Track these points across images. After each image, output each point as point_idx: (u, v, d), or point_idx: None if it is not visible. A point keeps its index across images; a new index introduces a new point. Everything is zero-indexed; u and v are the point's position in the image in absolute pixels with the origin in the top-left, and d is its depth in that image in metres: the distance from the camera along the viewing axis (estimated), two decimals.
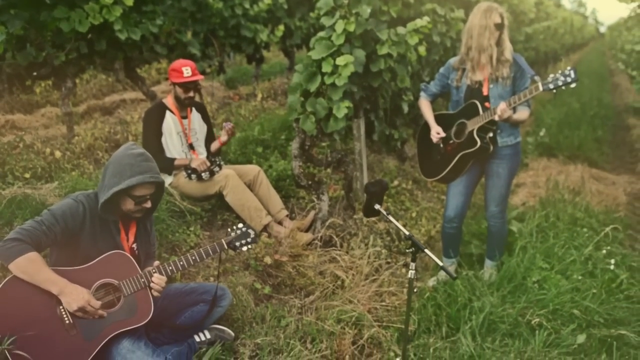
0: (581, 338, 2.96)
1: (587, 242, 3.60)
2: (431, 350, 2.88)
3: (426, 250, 2.48)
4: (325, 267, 3.42)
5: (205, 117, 4.10)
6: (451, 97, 3.59)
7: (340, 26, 3.41)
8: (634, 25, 13.02)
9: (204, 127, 4.07)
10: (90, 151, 4.66)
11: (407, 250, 2.52)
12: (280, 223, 3.83)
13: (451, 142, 3.49)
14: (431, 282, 3.73)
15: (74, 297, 2.14)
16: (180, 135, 3.87)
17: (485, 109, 3.30)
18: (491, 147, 3.36)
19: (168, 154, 3.81)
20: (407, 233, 2.57)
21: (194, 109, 3.98)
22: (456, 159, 3.44)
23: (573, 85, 2.95)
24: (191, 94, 3.78)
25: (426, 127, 3.70)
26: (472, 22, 3.38)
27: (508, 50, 3.32)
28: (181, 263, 2.45)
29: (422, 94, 3.72)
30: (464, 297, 3.28)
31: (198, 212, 3.81)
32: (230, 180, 3.70)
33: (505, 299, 3.30)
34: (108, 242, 2.38)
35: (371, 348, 2.94)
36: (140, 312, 2.30)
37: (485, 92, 3.38)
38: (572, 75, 2.93)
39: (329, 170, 4.07)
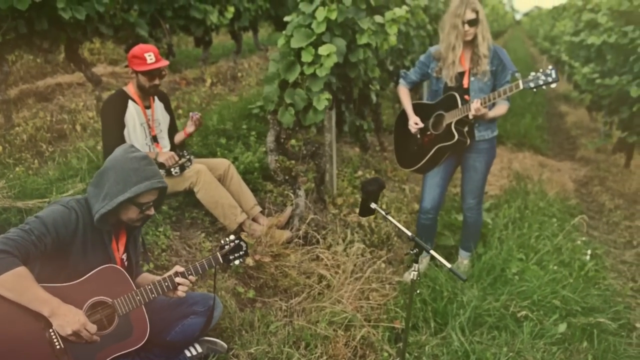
0: (562, 327, 3.06)
1: (557, 232, 3.72)
2: (427, 349, 2.86)
3: (432, 252, 2.43)
4: (308, 267, 3.29)
5: (168, 107, 3.79)
6: (430, 86, 3.55)
7: (321, 14, 3.24)
8: (558, 15, 13.76)
9: (167, 118, 3.77)
10: (32, 143, 4.20)
11: (411, 252, 2.43)
12: (254, 220, 3.64)
13: (428, 133, 3.46)
14: (409, 276, 3.72)
15: (69, 319, 1.88)
16: (143, 127, 3.55)
17: (464, 101, 3.28)
18: (468, 141, 3.36)
19: None
20: (410, 234, 2.50)
21: (156, 98, 3.67)
22: (433, 151, 3.42)
23: (554, 85, 2.98)
24: (156, 81, 3.47)
25: (404, 116, 3.64)
26: (445, 18, 3.35)
27: (485, 46, 3.29)
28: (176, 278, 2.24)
29: (401, 81, 3.65)
30: (448, 291, 3.29)
31: (165, 211, 3.54)
32: (202, 176, 3.45)
33: (486, 291, 3.35)
34: (98, 254, 2.12)
35: (364, 349, 2.87)
36: (136, 334, 2.08)
37: (465, 85, 3.36)
38: (553, 75, 2.95)
39: (293, 162, 3.91)
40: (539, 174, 5.39)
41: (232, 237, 2.46)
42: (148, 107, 3.59)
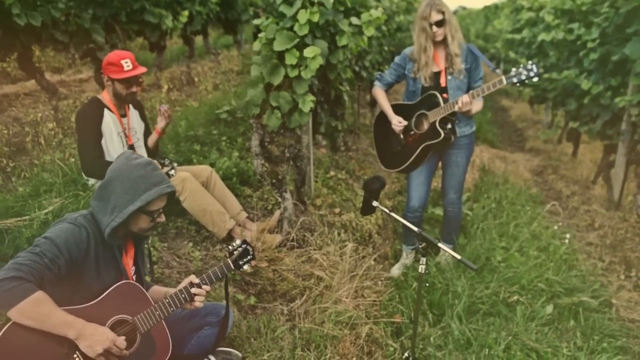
0: (549, 309, 3.24)
1: (531, 220, 3.93)
2: (431, 339, 2.93)
3: (440, 244, 2.50)
4: (304, 269, 3.28)
5: (143, 115, 3.66)
6: (407, 87, 3.64)
7: (303, 16, 3.24)
8: (492, 14, 14.44)
9: (142, 126, 3.64)
10: None
11: (419, 247, 2.50)
12: (241, 226, 3.58)
13: (412, 133, 3.53)
14: (396, 270, 3.80)
15: (97, 338, 1.78)
16: (120, 136, 3.41)
17: (445, 100, 3.39)
18: (453, 137, 3.47)
19: (108, 158, 3.34)
20: (416, 230, 2.56)
21: (131, 106, 3.54)
22: (419, 150, 3.50)
23: (535, 80, 3.12)
24: (134, 89, 3.35)
25: (382, 117, 3.71)
26: (414, 22, 3.44)
27: (455, 44, 3.39)
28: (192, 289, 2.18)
29: (376, 83, 3.72)
30: (440, 282, 3.39)
31: None
32: (188, 184, 3.36)
33: (474, 279, 3.48)
34: (111, 270, 2.03)
35: (369, 346, 2.91)
36: (159, 350, 2.00)
37: (443, 84, 3.46)
38: (535, 69, 3.09)
39: (281, 165, 3.89)
40: (500, 166, 5.64)
41: (237, 241, 2.42)
42: (124, 115, 3.46)
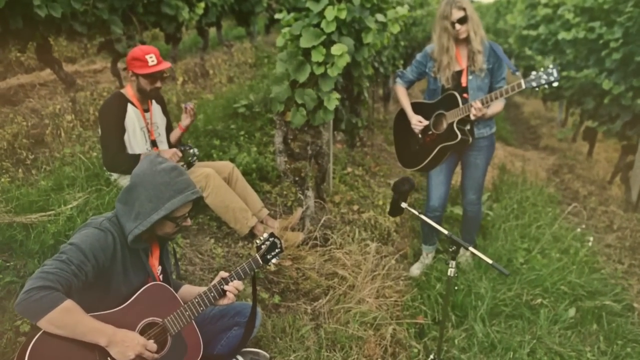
0: (572, 312, 3.23)
1: (552, 221, 3.90)
2: (456, 342, 2.93)
3: (470, 248, 2.49)
4: (327, 267, 3.28)
5: (165, 110, 3.65)
6: (428, 85, 3.59)
7: (331, 13, 3.20)
8: (504, 8, 14.32)
9: (164, 121, 3.63)
10: (11, 151, 3.91)
11: (450, 250, 2.48)
12: (262, 222, 3.57)
13: (430, 132, 3.50)
14: (416, 270, 3.79)
15: (128, 344, 1.77)
16: (143, 132, 3.39)
17: (464, 100, 3.35)
18: (470, 140, 3.43)
19: (131, 153, 3.33)
20: (446, 232, 2.55)
21: (153, 100, 3.52)
22: (436, 150, 3.46)
23: (555, 84, 3.06)
24: (158, 84, 3.32)
25: (403, 115, 3.67)
26: (434, 22, 3.39)
27: (478, 41, 3.33)
28: (221, 287, 2.17)
29: (398, 80, 3.68)
30: (462, 284, 3.38)
31: None
32: (212, 180, 3.35)
33: (496, 281, 3.46)
34: (138, 273, 2.02)
35: (393, 347, 2.91)
36: (190, 352, 2.00)
37: (464, 83, 3.41)
38: (555, 74, 3.04)
39: (304, 163, 3.87)
40: (515, 165, 5.61)
41: (265, 235, 2.39)
42: (147, 110, 3.45)
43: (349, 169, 5.05)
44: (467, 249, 2.47)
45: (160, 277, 2.18)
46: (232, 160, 4.14)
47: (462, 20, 3.22)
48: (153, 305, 1.96)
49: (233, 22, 9.58)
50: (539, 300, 3.18)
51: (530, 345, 2.90)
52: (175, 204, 1.92)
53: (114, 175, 3.36)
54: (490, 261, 2.38)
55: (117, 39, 5.10)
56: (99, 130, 3.32)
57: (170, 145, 3.64)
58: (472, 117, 3.21)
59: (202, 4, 6.30)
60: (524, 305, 3.23)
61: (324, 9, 3.23)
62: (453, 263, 2.53)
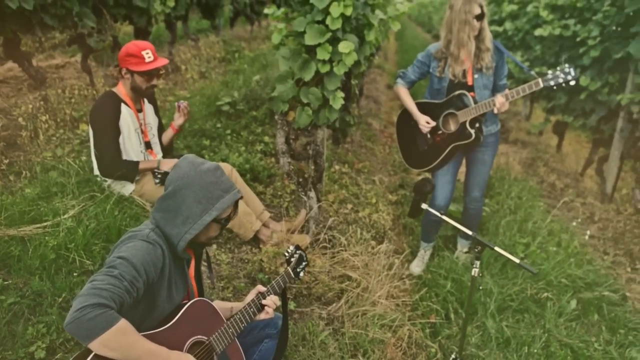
0: (573, 304, 3.32)
1: (545, 216, 4.00)
2: (473, 339, 2.94)
3: (496, 248, 2.49)
4: (336, 270, 3.21)
5: (157, 110, 3.47)
6: (431, 85, 3.57)
7: (336, 10, 3.12)
8: None
9: (157, 121, 3.45)
10: None
11: (475, 250, 2.48)
12: (264, 226, 3.46)
13: (440, 132, 3.49)
14: (416, 268, 3.79)
15: None
16: (137, 133, 3.21)
17: (473, 99, 3.36)
18: (482, 137, 3.46)
19: (125, 157, 3.14)
20: (470, 233, 2.55)
21: (145, 100, 3.33)
22: (448, 150, 3.46)
23: (572, 83, 3.13)
24: (154, 81, 3.15)
25: (406, 115, 3.65)
26: (452, 16, 3.36)
27: (488, 39, 3.38)
28: (259, 301, 2.08)
29: (399, 80, 3.64)
30: (469, 280, 3.39)
31: None
32: None
33: (498, 276, 3.52)
34: (180, 287, 1.90)
35: (411, 348, 2.89)
36: None
37: (470, 82, 3.42)
38: (572, 73, 3.10)
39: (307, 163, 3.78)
40: (499, 160, 5.72)
41: (291, 248, 2.33)
42: (140, 110, 3.27)
43: (336, 167, 4.99)
44: (492, 249, 2.47)
45: (196, 290, 2.07)
46: (224, 160, 3.99)
47: (480, 17, 3.22)
48: (198, 322, 1.84)
49: (198, 16, 9.27)
50: (545, 294, 3.25)
51: (542, 339, 2.96)
52: (226, 202, 1.83)
53: (108, 181, 3.15)
54: (517, 260, 2.40)
55: (88, 33, 4.81)
56: (90, 133, 3.10)
57: (163, 146, 3.47)
58: (496, 112, 3.22)
59: None
60: (529, 299, 3.29)
61: (328, 5, 3.15)
62: (477, 263, 2.53)
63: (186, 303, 1.83)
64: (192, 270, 2.04)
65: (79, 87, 5.06)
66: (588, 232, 3.90)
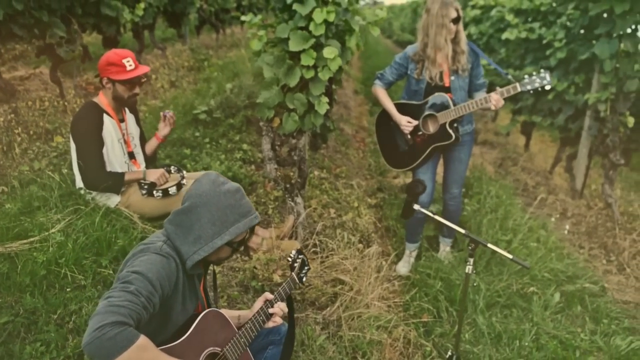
0: (557, 297, 3.43)
1: (523, 213, 4.12)
2: (466, 336, 3.00)
3: (489, 245, 2.55)
4: (327, 274, 3.22)
5: (138, 119, 3.41)
6: (409, 86, 3.64)
7: (319, 16, 3.15)
8: (421, 9, 14.89)
9: (138, 131, 3.39)
10: None
11: (469, 248, 2.53)
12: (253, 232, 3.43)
13: (420, 133, 3.56)
14: (402, 268, 3.84)
15: None
16: (120, 143, 3.15)
17: (453, 102, 3.45)
18: (460, 138, 3.55)
19: (109, 168, 3.06)
20: (463, 231, 2.60)
21: (127, 109, 3.27)
22: (428, 150, 3.53)
23: (548, 87, 3.27)
24: (137, 89, 3.11)
25: (385, 116, 3.71)
26: (428, 20, 3.45)
27: (463, 41, 3.49)
28: (267, 309, 2.07)
29: (377, 82, 3.71)
30: (458, 278, 3.46)
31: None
32: None
33: (483, 273, 3.60)
34: (192, 299, 1.87)
35: (407, 348, 2.93)
36: None
37: (447, 84, 3.52)
38: (548, 78, 3.25)
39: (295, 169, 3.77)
40: (474, 162, 5.86)
41: (294, 252, 2.33)
42: (122, 120, 3.21)
43: (315, 173, 5.01)
44: (485, 246, 2.53)
45: (206, 302, 2.05)
46: (206, 169, 3.95)
47: (457, 20, 3.31)
48: (211, 333, 1.82)
49: (164, 24, 9.15)
50: (531, 289, 3.34)
51: (532, 332, 3.04)
52: (240, 228, 1.79)
53: (93, 193, 3.07)
54: (510, 256, 2.46)
55: (57, 43, 4.68)
56: (72, 146, 3.01)
57: (146, 156, 3.41)
58: (492, 108, 3.30)
59: (142, 5, 5.95)
60: (515, 295, 3.38)
61: (311, 12, 3.17)
62: (471, 261, 2.59)
63: (198, 314, 1.80)
64: (201, 284, 2.02)
65: (48, 98, 4.91)
66: (567, 227, 4.04)
